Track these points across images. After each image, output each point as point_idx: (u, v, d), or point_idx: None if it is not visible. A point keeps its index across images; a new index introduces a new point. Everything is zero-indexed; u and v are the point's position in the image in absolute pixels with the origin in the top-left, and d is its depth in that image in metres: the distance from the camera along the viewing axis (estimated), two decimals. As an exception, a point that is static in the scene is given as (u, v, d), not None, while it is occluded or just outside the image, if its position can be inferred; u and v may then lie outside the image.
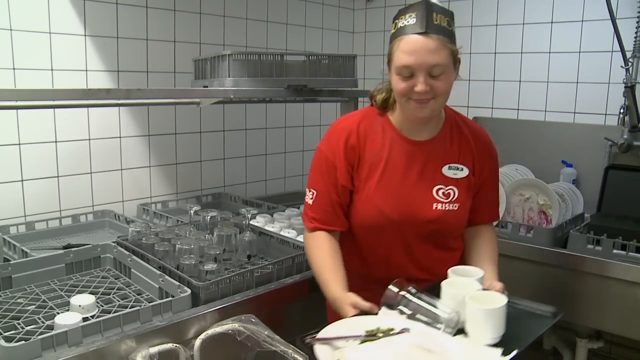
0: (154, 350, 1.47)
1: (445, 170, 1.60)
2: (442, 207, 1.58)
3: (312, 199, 1.64)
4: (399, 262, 1.64)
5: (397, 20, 1.50)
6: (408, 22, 1.45)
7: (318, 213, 1.63)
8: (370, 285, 1.52)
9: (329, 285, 1.54)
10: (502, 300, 1.34)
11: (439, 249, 1.66)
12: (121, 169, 2.62)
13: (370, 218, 1.60)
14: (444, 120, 1.62)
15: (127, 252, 1.93)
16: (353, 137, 1.60)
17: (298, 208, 2.60)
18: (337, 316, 1.48)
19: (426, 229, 1.60)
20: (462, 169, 1.60)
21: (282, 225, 2.30)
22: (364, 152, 1.60)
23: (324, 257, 1.59)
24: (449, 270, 1.48)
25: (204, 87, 2.23)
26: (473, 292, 1.36)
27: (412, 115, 1.53)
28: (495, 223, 1.78)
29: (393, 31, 1.51)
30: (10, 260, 1.86)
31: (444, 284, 1.40)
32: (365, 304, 1.43)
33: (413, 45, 1.43)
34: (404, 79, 1.47)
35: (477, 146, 1.64)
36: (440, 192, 1.59)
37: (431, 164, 1.59)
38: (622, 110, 2.54)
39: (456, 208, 1.59)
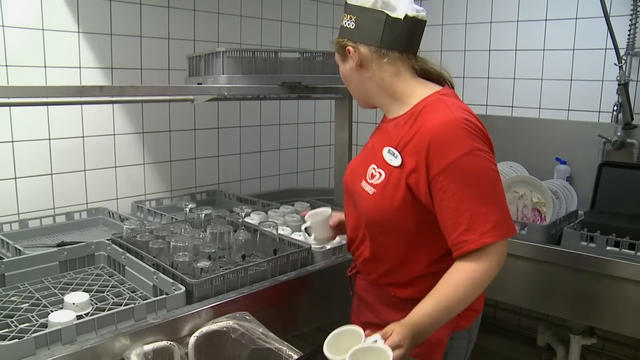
0: (148, 348, 1.47)
1: (385, 151, 1.48)
2: (364, 185, 1.50)
3: None
4: (358, 242, 1.61)
5: None
6: None
7: None
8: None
9: None
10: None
11: (378, 242, 1.53)
12: (115, 167, 2.61)
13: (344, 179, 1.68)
14: (414, 104, 1.47)
15: (121, 250, 1.93)
16: None
17: (292, 205, 2.60)
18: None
19: (356, 204, 1.56)
20: (397, 156, 1.44)
21: (277, 223, 2.30)
22: None
23: None
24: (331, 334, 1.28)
25: (198, 84, 2.23)
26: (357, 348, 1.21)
27: None
28: (473, 258, 1.34)
29: None
30: (3, 258, 1.85)
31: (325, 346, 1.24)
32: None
33: None
34: None
35: (419, 138, 1.40)
36: (371, 171, 1.51)
37: (380, 141, 1.53)
38: (615, 108, 2.55)
39: (371, 192, 1.47)
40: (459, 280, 1.33)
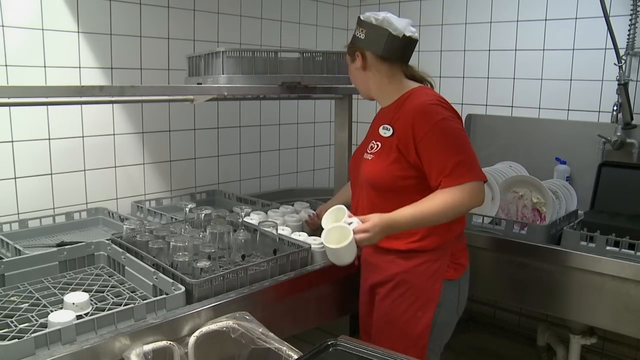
0: (148, 347, 1.47)
1: (380, 129, 1.91)
2: (365, 155, 1.93)
3: None
4: (359, 204, 2.00)
5: None
6: None
7: None
8: None
9: None
10: (346, 239, 1.65)
11: (375, 198, 1.91)
12: (115, 167, 2.61)
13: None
14: (400, 95, 1.92)
15: (121, 250, 1.93)
16: None
17: (292, 205, 2.60)
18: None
19: (359, 172, 1.96)
20: (389, 129, 1.88)
21: (277, 223, 2.30)
22: None
23: None
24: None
25: (197, 84, 2.23)
26: (331, 226, 1.72)
27: None
28: (451, 188, 1.74)
29: None
30: (3, 258, 1.85)
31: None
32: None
33: None
34: None
35: (405, 114, 1.84)
36: (370, 144, 1.93)
37: (377, 124, 1.97)
38: (615, 108, 2.55)
39: (370, 158, 1.90)
40: (437, 200, 1.74)
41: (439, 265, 1.87)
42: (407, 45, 1.87)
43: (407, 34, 1.84)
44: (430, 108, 1.80)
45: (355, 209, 2.00)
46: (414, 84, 1.94)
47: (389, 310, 1.90)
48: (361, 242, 1.68)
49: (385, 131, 1.88)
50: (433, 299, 1.87)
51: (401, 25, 1.83)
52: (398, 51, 1.86)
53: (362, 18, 1.89)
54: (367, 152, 1.92)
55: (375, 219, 1.70)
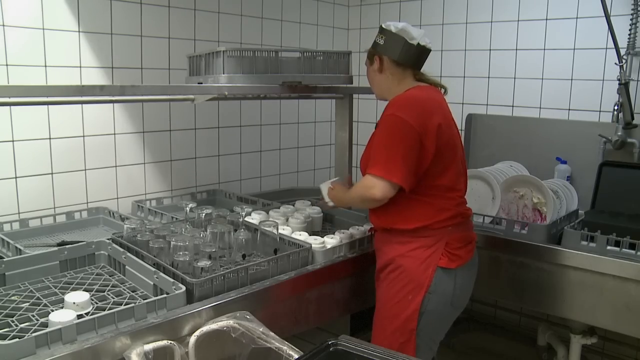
0: (148, 347, 1.47)
1: None
2: None
3: None
4: None
5: None
6: None
7: None
8: None
9: None
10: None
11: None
12: (115, 166, 2.61)
13: None
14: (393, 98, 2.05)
15: (121, 249, 1.93)
16: None
17: (293, 205, 2.60)
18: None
19: None
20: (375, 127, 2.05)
21: (278, 222, 2.30)
22: None
23: None
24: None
25: (198, 83, 2.23)
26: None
27: None
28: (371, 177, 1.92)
29: None
30: (3, 258, 1.85)
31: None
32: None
33: None
34: None
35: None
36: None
37: None
38: (616, 107, 2.55)
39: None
40: (356, 185, 2.05)
41: (432, 252, 1.94)
42: (421, 53, 2.02)
43: (422, 43, 1.99)
44: (392, 102, 1.97)
45: None
46: (418, 84, 2.05)
47: (384, 292, 2.02)
48: (328, 194, 2.21)
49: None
50: (423, 284, 1.93)
51: (417, 34, 1.99)
52: (412, 58, 2.01)
53: (383, 26, 2.03)
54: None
55: (335, 188, 2.20)
